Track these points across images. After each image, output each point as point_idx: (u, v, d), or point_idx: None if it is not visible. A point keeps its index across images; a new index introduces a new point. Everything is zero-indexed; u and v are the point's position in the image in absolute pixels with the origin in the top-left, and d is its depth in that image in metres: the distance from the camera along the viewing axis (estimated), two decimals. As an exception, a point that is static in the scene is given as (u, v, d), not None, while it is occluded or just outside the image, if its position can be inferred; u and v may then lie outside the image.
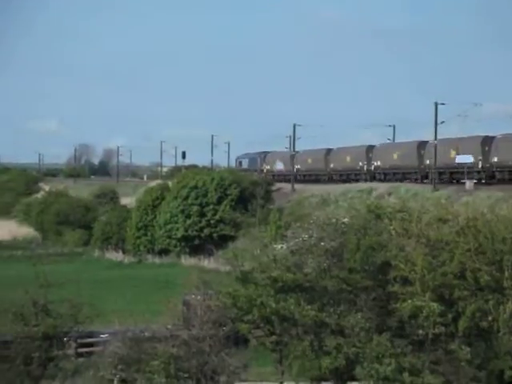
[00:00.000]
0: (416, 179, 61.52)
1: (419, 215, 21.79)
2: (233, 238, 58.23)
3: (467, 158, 56.61)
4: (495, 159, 54.99)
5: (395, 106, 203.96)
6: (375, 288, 20.67)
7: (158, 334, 20.79)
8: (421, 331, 19.82)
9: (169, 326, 21.47)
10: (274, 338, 20.59)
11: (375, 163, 67.28)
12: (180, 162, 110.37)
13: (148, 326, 21.19)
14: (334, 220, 22.77)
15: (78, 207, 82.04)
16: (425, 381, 19.16)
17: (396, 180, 63.21)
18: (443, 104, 58.32)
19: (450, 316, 19.50)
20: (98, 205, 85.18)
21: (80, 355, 25.96)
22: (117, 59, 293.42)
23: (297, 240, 22.13)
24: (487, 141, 56.30)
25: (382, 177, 65.71)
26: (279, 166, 78.66)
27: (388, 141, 76.82)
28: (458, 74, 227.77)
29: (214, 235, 62.32)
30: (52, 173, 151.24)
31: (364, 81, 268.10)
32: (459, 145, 58.15)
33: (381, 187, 60.49)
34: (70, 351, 24.99)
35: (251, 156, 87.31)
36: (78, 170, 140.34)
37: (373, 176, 66.95)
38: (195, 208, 63.36)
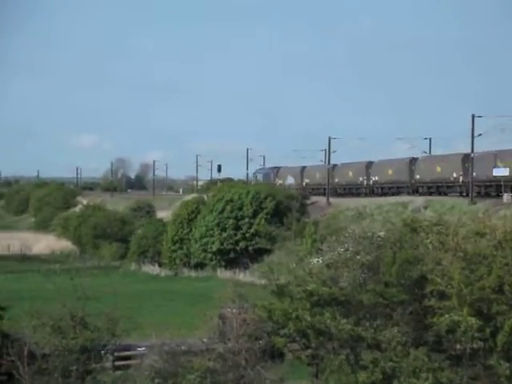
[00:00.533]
0: (461, 192, 60.67)
1: (456, 229, 21.62)
2: (268, 252, 58.25)
3: (504, 171, 55.96)
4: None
5: (431, 118, 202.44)
6: (411, 302, 20.53)
7: (194, 348, 20.86)
8: (458, 346, 19.63)
9: (205, 340, 21.54)
10: (309, 351, 20.54)
11: (418, 176, 66.71)
12: (215, 175, 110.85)
13: (184, 339, 21.27)
14: (369, 233, 22.68)
15: (115, 221, 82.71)
16: (463, 396, 18.97)
17: (440, 193, 62.50)
18: (480, 117, 57.81)
19: (488, 331, 19.28)
20: (135, 218, 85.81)
21: (117, 368, 26.13)
22: (153, 73, 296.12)
23: (332, 253, 22.09)
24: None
25: (426, 190, 65.01)
26: (290, 180, 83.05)
27: (424, 154, 76.32)
28: (495, 86, 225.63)
29: (250, 248, 62.37)
30: (89, 187, 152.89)
31: (399, 92, 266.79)
32: (497, 157, 57.51)
33: (417, 200, 60.07)
34: (108, 364, 25.17)
35: (265, 171, 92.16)
36: (115, 183, 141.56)
37: (415, 189, 66.39)
38: (231, 221, 63.52)
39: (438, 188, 63.61)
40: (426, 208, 56.36)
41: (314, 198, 71.70)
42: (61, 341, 21.96)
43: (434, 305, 19.73)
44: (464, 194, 59.20)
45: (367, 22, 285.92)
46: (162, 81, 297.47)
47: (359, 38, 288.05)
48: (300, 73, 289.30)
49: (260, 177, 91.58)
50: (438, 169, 63.90)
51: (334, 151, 75.05)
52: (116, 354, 25.51)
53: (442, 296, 19.86)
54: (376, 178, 72.28)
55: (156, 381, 19.48)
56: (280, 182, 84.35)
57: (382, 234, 22.61)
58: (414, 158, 69.63)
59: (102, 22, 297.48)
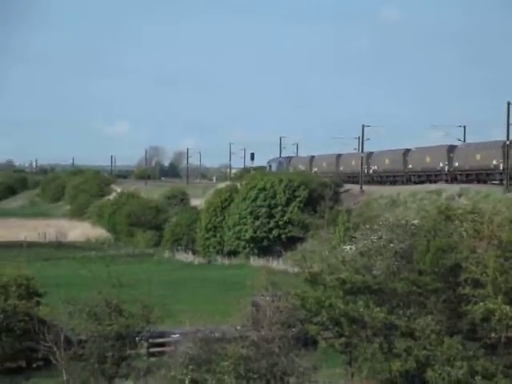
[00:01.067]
0: (501, 180, 59.85)
1: (491, 216, 21.45)
2: (301, 240, 58.28)
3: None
4: None
5: (466, 106, 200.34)
6: (445, 290, 20.44)
7: (227, 335, 20.96)
8: (493, 334, 19.51)
9: (238, 327, 21.64)
10: (343, 339, 20.55)
11: (456, 164, 65.94)
12: (249, 163, 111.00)
13: (218, 326, 21.38)
14: (403, 222, 22.61)
15: (149, 209, 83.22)
16: (497, 385, 18.86)
17: (479, 181, 61.79)
18: (516, 104, 57.03)
19: (523, 319, 19.12)
20: (168, 206, 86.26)
21: (152, 355, 26.40)
22: (187, 62, 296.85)
23: (365, 242, 22.04)
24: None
25: (464, 177, 64.33)
26: (301, 167, 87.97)
27: (459, 141, 75.49)
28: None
29: (283, 236, 62.43)
30: (123, 175, 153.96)
31: (433, 82, 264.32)
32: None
33: (451, 188, 59.56)
34: (143, 351, 25.44)
35: (279, 160, 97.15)
36: (149, 171, 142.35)
37: (454, 177, 65.74)
38: (264, 209, 63.59)
39: (477, 176, 62.88)
40: (460, 196, 55.86)
41: (347, 186, 71.44)
42: (96, 327, 22.22)
43: (468, 293, 19.63)
44: (504, 182, 58.51)
45: (400, 10, 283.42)
46: (197, 70, 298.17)
47: (392, 26, 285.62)
48: (334, 62, 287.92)
49: (274, 165, 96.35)
50: (478, 156, 63.09)
51: (368, 139, 74.72)
52: (151, 340, 25.77)
53: (477, 284, 19.74)
54: (413, 166, 71.76)
55: (190, 367, 19.61)
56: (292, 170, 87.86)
57: (415, 221, 22.52)
58: (452, 145, 68.92)
59: (135, 12, 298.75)
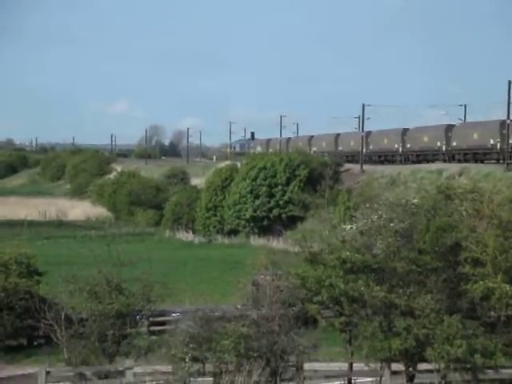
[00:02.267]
0: (498, 160, 59.78)
1: (491, 196, 21.43)
2: (301, 219, 58.34)
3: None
4: None
5: (467, 86, 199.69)
6: (445, 269, 20.46)
7: (227, 314, 21.04)
8: (493, 313, 19.55)
9: (238, 306, 21.71)
10: (343, 318, 20.60)
11: (454, 143, 65.94)
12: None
13: (218, 305, 21.46)
14: (403, 201, 22.58)
15: (150, 188, 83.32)
16: (497, 363, 18.93)
17: (476, 161, 61.76)
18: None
19: (522, 298, 19.16)
20: (169, 185, 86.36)
21: (152, 333, 26.52)
22: (187, 41, 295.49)
23: (366, 221, 22.02)
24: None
25: (462, 157, 64.33)
26: (259, 149, 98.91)
27: (459, 121, 75.39)
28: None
29: (283, 216, 62.51)
30: (124, 154, 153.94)
31: (435, 61, 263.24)
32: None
33: (451, 168, 59.54)
34: (143, 329, 25.54)
35: (242, 142, 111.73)
36: (149, 150, 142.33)
37: (451, 156, 65.75)
38: (264, 189, 63.63)
39: (475, 155, 62.87)
40: (460, 175, 55.85)
41: (347, 166, 71.46)
42: (97, 306, 22.27)
43: (468, 272, 19.65)
44: (501, 162, 58.48)
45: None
46: (196, 48, 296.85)
47: (392, 4, 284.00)
48: (335, 41, 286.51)
49: (237, 147, 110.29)
50: (475, 135, 63.04)
51: (368, 118, 74.67)
52: (151, 319, 25.87)
53: (477, 263, 19.77)
54: (411, 145, 71.80)
55: (190, 346, 19.69)
56: (253, 151, 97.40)
57: (415, 201, 22.49)
58: (450, 124, 68.88)
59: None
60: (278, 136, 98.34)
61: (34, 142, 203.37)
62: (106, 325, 22.10)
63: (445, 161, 65.18)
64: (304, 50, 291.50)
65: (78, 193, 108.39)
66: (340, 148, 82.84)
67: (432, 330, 19.16)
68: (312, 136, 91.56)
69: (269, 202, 63.39)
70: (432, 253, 20.36)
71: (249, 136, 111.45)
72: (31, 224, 76.09)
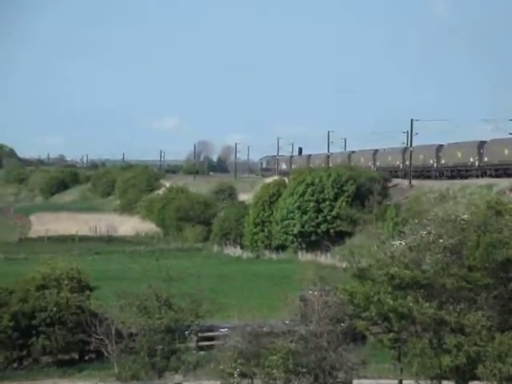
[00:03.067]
0: None
1: (543, 211, 21.10)
2: (349, 235, 58.07)
3: None
4: None
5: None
6: (496, 286, 20.20)
7: (276, 329, 21.05)
8: (545, 331, 19.21)
9: (286, 322, 21.71)
10: (392, 335, 20.46)
11: (486, 159, 65.45)
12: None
13: (266, 320, 21.50)
14: (452, 216, 22.36)
15: (198, 203, 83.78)
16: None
17: (508, 176, 60.93)
18: None
19: None
20: (217, 201, 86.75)
21: (201, 348, 26.65)
22: (234, 56, 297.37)
23: (414, 237, 21.87)
24: None
25: (493, 172, 63.80)
26: (283, 166, 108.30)
27: (510, 135, 74.28)
28: None
29: (331, 231, 62.30)
30: (172, 169, 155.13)
31: (480, 76, 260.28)
32: None
33: (502, 182, 58.71)
34: (192, 344, 25.69)
35: (268, 159, 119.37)
36: (198, 166, 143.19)
37: (484, 172, 65.25)
38: (312, 204, 63.53)
39: (505, 170, 62.19)
40: (511, 190, 55.02)
41: (395, 181, 71.04)
42: (147, 320, 22.51)
43: (519, 289, 19.37)
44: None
45: (450, 4, 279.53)
46: (244, 63, 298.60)
47: (441, 18, 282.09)
48: (383, 54, 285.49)
49: (264, 163, 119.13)
50: (506, 151, 62.46)
51: (416, 134, 74.21)
52: (200, 334, 26.01)
53: (528, 280, 19.48)
54: (445, 161, 72.12)
55: (239, 361, 19.76)
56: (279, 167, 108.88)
57: (465, 216, 22.26)
58: (482, 141, 68.42)
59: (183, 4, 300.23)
60: (326, 151, 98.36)
61: (85, 159, 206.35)
62: (156, 340, 22.31)
63: (477, 176, 64.95)
64: (351, 64, 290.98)
65: (128, 208, 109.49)
66: (378, 163, 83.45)
67: (483, 347, 18.92)
68: (353, 151, 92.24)
69: (317, 218, 63.25)
70: (482, 269, 20.11)
71: (296, 151, 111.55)
72: (82, 239, 77.22)
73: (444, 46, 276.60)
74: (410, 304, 19.63)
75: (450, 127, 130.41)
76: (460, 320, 19.53)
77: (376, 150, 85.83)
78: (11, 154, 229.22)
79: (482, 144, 67.45)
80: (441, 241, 21.02)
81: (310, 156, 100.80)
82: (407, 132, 75.33)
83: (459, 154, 69.91)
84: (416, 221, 23.38)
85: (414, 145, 75.88)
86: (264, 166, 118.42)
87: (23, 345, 27.35)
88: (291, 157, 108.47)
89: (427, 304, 19.56)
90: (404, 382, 21.25)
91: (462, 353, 19.06)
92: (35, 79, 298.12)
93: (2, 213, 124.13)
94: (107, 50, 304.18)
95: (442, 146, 74.35)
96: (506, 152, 62.43)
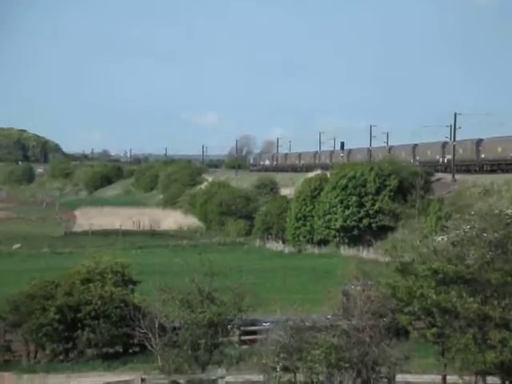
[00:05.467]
0: None
1: None
2: (392, 229, 57.76)
3: None
4: None
5: None
6: (542, 281, 19.93)
7: (318, 324, 21.05)
8: None
9: (329, 316, 21.70)
10: (435, 330, 20.32)
11: None
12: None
13: (308, 315, 21.51)
14: (497, 211, 22.11)
15: (240, 198, 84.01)
16: None
17: None
18: None
19: None
20: (259, 195, 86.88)
21: (243, 342, 26.77)
22: (275, 50, 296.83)
23: (458, 231, 21.67)
24: None
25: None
26: (267, 161, 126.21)
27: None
28: None
29: (373, 226, 62.00)
30: (214, 164, 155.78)
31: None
32: None
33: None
34: (234, 338, 25.82)
35: (254, 156, 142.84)
36: (240, 161, 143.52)
37: None
38: (354, 198, 63.27)
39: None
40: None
41: (438, 175, 70.43)
42: (189, 314, 22.66)
43: None
44: None
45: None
46: (284, 58, 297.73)
47: (482, 9, 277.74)
48: (425, 48, 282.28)
49: (252, 159, 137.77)
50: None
51: (459, 127, 73.43)
52: (242, 328, 26.12)
53: None
54: (485, 155, 71.38)
55: (281, 355, 19.81)
56: (262, 162, 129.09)
57: (509, 211, 22.00)
58: None
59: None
60: (367, 145, 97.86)
61: (128, 153, 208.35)
62: (199, 333, 22.46)
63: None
64: (394, 58, 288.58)
65: (171, 203, 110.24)
66: (417, 158, 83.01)
67: (529, 343, 18.69)
68: (391, 146, 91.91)
69: (359, 212, 62.97)
70: (528, 264, 19.87)
71: (338, 146, 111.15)
72: (125, 234, 78.00)
73: (487, 37, 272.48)
74: (454, 299, 19.47)
75: (492, 122, 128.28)
76: (505, 315, 19.32)
77: (416, 145, 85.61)
78: (57, 149, 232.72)
79: None
80: (484, 235, 20.81)
81: (350, 150, 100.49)
82: (450, 126, 74.56)
83: (499, 149, 69.28)
84: (459, 215, 23.18)
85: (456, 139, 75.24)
86: (251, 162, 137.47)
87: (69, 337, 27.77)
88: (332, 151, 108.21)
89: (471, 299, 19.39)
90: (448, 377, 21.09)
91: (507, 348, 18.85)
92: (80, 76, 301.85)
93: (48, 207, 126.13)
94: (151, 47, 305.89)
95: (481, 140, 73.75)
96: None
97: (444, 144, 77.91)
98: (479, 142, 73.75)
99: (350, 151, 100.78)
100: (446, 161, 77.00)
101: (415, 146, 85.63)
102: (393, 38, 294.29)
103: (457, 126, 72.68)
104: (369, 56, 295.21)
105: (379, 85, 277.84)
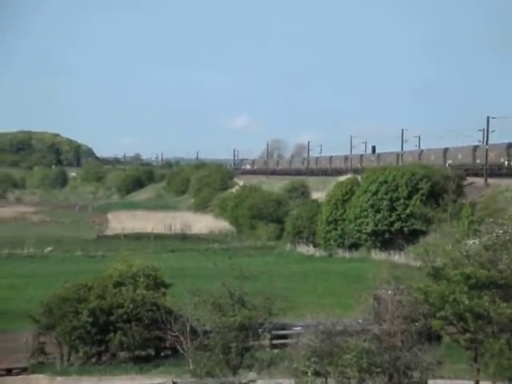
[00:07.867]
0: None
1: None
2: (424, 233, 57.30)
3: None
4: None
5: None
6: None
7: (349, 328, 21.01)
8: None
9: (360, 321, 21.64)
10: (468, 335, 20.19)
11: None
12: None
13: (339, 319, 21.48)
14: (530, 215, 21.91)
15: (271, 201, 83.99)
16: None
17: None
18: None
19: None
20: (290, 199, 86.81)
21: (274, 346, 26.78)
22: (305, 54, 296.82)
23: (490, 235, 21.50)
24: None
25: None
26: (247, 166, 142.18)
27: None
28: None
29: (405, 230, 61.65)
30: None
31: None
32: None
33: None
34: (265, 342, 25.84)
35: (237, 161, 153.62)
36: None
37: None
38: (385, 202, 62.99)
39: None
40: None
41: (471, 179, 69.86)
42: (220, 318, 22.72)
43: None
44: None
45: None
46: (317, 62, 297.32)
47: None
48: (458, 51, 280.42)
49: (232, 164, 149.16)
50: None
51: (493, 131, 72.78)
52: (273, 332, 26.14)
53: None
54: None
55: (312, 360, 19.79)
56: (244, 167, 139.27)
57: (544, 215, 21.79)
58: None
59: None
60: (398, 149, 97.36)
61: (160, 157, 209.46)
62: (230, 337, 22.51)
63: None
64: (424, 61, 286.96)
65: (202, 206, 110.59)
66: (449, 161, 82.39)
67: (562, 349, 18.48)
68: (422, 150, 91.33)
69: (390, 216, 62.67)
70: (562, 269, 19.65)
71: (369, 150, 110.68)
72: (157, 237, 78.40)
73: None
74: (487, 304, 19.33)
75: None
76: (538, 321, 19.12)
77: (446, 149, 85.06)
78: (90, 153, 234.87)
79: None
80: (518, 240, 20.63)
81: (379, 154, 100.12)
82: (483, 130, 74.00)
83: None
84: (492, 219, 22.99)
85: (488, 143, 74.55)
86: (232, 166, 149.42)
87: (101, 340, 27.98)
88: (361, 155, 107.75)
89: (504, 304, 19.23)
90: (480, 383, 20.91)
91: (541, 354, 18.66)
92: (112, 81, 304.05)
93: (80, 211, 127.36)
94: (182, 52, 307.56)
95: None
96: None
97: (475, 148, 77.26)
98: (509, 145, 72.65)
99: (379, 155, 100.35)
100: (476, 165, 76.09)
101: (446, 149, 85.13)
102: (423, 40, 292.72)
103: (489, 130, 72.09)
104: (401, 60, 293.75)
105: (411, 89, 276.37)
